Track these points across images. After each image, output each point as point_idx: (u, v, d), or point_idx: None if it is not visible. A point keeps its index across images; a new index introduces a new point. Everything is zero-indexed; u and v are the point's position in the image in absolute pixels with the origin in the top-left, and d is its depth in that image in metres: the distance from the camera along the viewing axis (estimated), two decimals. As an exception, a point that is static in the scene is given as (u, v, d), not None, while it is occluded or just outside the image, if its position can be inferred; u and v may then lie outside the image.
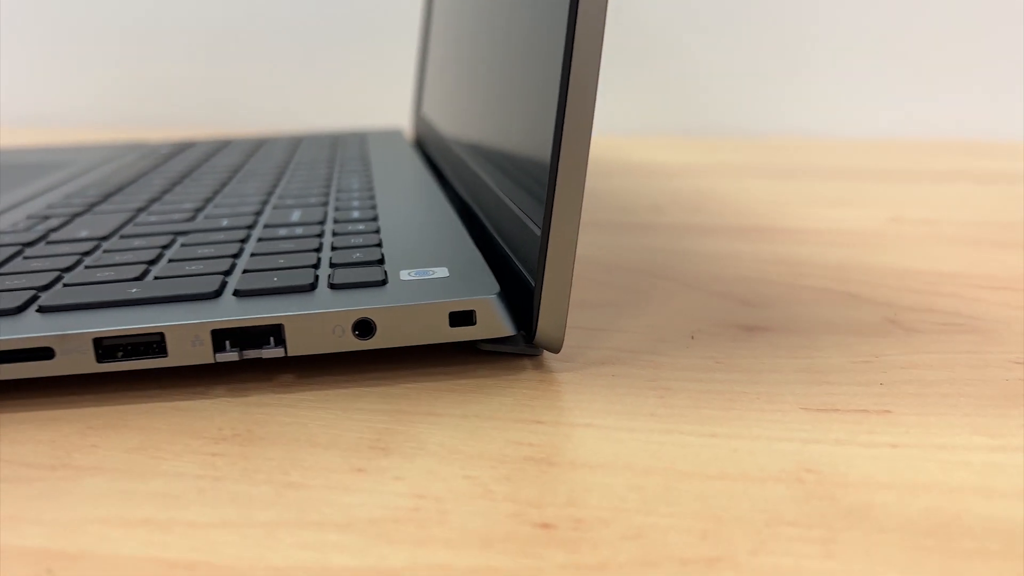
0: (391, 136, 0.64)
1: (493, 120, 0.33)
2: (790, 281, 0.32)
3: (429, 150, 0.55)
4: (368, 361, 0.25)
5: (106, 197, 0.40)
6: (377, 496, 0.18)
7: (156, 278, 0.26)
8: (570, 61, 0.21)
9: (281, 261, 0.27)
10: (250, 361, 0.24)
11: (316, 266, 0.27)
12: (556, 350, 0.24)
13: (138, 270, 0.27)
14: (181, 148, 0.59)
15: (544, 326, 0.23)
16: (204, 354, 0.23)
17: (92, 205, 0.39)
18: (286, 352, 0.23)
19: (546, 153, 0.22)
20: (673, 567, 0.15)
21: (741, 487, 0.18)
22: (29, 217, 0.36)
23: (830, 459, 0.19)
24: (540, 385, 0.23)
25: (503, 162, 0.30)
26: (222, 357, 0.23)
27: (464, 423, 0.21)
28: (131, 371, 0.23)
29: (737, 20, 0.80)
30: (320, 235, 0.31)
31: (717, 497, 0.17)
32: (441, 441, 0.20)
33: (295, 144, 0.59)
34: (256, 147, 0.58)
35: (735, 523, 0.16)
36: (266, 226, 0.33)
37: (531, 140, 0.25)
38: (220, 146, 0.59)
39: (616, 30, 0.81)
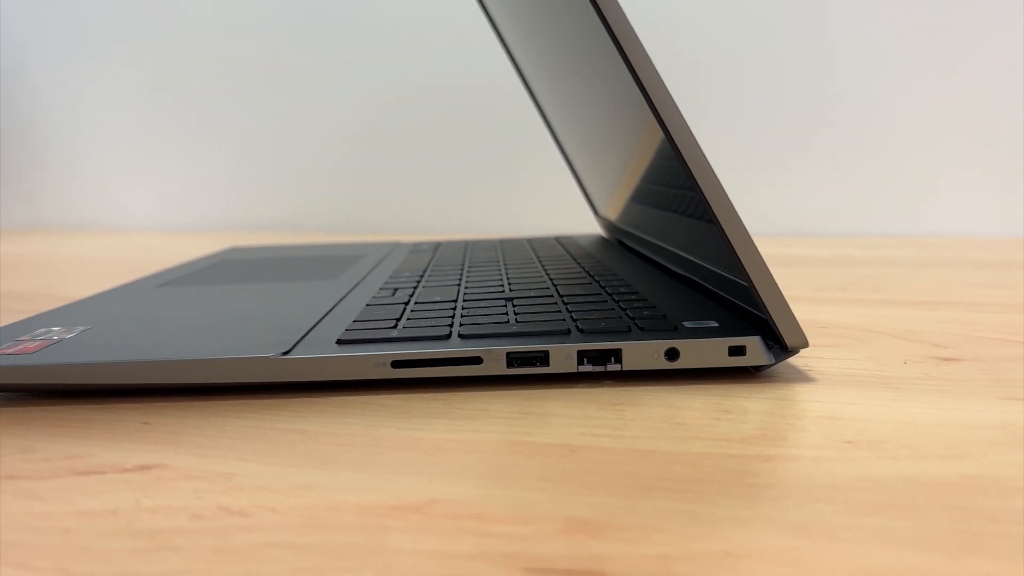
0: (594, 238, 0.77)
1: (677, 222, 0.45)
2: (969, 334, 0.42)
3: (625, 242, 0.68)
4: (667, 378, 0.36)
5: (421, 277, 0.54)
6: (735, 427, 0.29)
7: (517, 321, 0.39)
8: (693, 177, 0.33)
9: (595, 315, 0.40)
10: (597, 372, 0.36)
11: (621, 319, 0.39)
12: (806, 345, 0.34)
13: (502, 318, 0.40)
14: (435, 246, 0.74)
15: (788, 336, 0.34)
16: (571, 366, 0.35)
17: (418, 282, 0.52)
18: (621, 367, 0.35)
19: (716, 233, 0.34)
20: (934, 459, 0.26)
21: (967, 430, 0.28)
22: (381, 289, 0.50)
23: (1023, 420, 0.29)
24: (804, 387, 0.34)
25: (696, 244, 0.43)
26: (583, 368, 0.35)
27: (767, 401, 0.32)
28: (518, 375, 0.35)
29: (888, 139, 0.91)
30: (606, 301, 0.44)
31: (952, 434, 0.28)
32: (759, 408, 0.31)
33: (525, 244, 0.73)
34: (494, 245, 0.72)
35: (967, 442, 0.27)
36: (564, 295, 0.46)
37: (701, 228, 0.37)
38: (464, 244, 0.74)
39: (796, 143, 0.93)
